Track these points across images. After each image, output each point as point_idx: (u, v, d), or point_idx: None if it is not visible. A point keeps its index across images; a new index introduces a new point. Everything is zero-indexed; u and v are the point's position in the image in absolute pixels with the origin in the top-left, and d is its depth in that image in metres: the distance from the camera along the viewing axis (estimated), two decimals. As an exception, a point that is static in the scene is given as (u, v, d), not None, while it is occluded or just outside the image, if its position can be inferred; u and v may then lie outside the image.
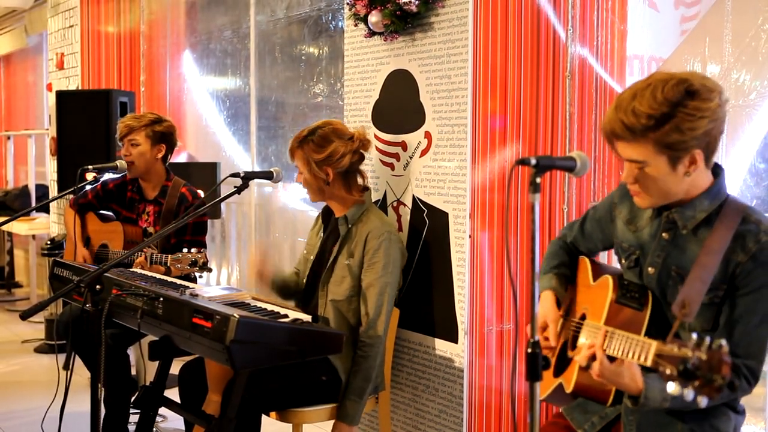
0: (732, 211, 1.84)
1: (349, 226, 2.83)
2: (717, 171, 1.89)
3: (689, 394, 1.39)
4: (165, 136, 3.55)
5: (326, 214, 2.96)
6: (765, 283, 1.79)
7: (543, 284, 2.20)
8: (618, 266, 2.13)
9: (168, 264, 3.08)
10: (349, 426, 2.69)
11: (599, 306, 1.94)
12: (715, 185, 1.86)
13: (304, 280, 2.95)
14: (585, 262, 2.17)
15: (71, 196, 3.75)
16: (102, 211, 3.75)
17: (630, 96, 1.78)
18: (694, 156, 1.77)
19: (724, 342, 1.39)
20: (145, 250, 3.18)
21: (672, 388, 1.42)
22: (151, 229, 3.56)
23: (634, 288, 1.96)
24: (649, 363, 1.55)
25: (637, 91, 1.77)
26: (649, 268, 1.96)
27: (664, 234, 1.93)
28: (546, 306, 2.10)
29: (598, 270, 2.13)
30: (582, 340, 1.93)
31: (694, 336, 1.43)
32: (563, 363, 2.03)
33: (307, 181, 2.81)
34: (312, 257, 2.95)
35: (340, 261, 2.81)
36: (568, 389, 1.94)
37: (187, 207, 3.48)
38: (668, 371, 1.44)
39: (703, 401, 1.39)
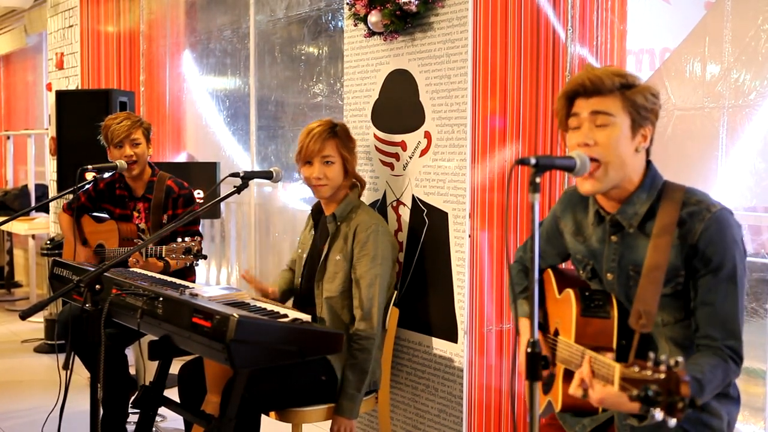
0: (671, 197, 1.87)
1: (338, 223, 2.84)
2: (647, 162, 1.94)
3: (657, 415, 1.40)
4: (150, 133, 3.66)
5: (316, 213, 2.98)
6: (722, 260, 1.80)
7: (518, 311, 2.22)
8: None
9: (163, 255, 3.10)
10: (348, 419, 2.70)
11: (568, 322, 1.94)
12: (647, 176, 1.90)
13: (299, 279, 2.97)
14: (549, 275, 2.19)
15: (64, 201, 3.76)
16: (95, 213, 3.77)
17: (602, 68, 1.91)
18: (646, 132, 1.86)
19: (680, 359, 1.40)
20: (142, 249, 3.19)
21: (642, 409, 1.44)
22: (143, 225, 3.59)
23: (596, 296, 1.95)
24: (616, 388, 1.55)
25: (602, 67, 1.93)
26: (608, 275, 1.97)
27: (612, 237, 1.94)
28: (525, 335, 2.10)
29: (561, 281, 2.13)
30: (563, 354, 1.92)
31: (652, 355, 1.44)
32: (549, 379, 2.04)
33: (335, 171, 2.82)
34: (305, 255, 2.97)
35: (332, 258, 2.82)
36: (557, 408, 1.96)
37: (174, 198, 3.55)
38: (634, 393, 1.45)
39: (671, 422, 1.39)
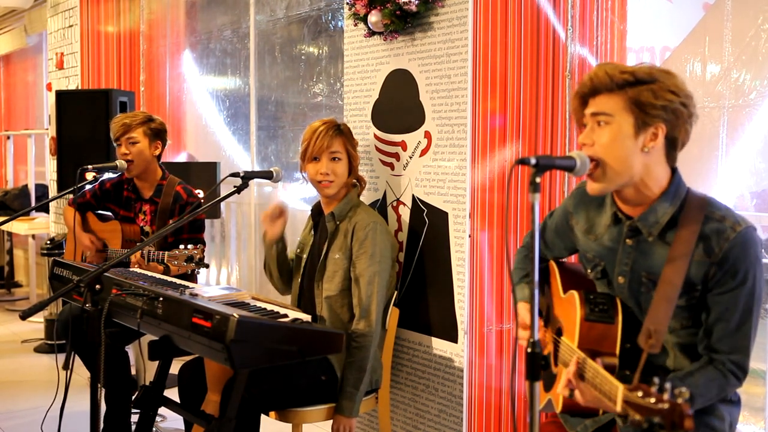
0: (694, 210, 1.83)
1: (337, 222, 2.85)
2: (672, 170, 1.89)
3: None
4: (160, 132, 3.59)
5: (316, 214, 2.98)
6: (744, 278, 1.79)
7: (518, 295, 2.21)
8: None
9: (165, 261, 3.09)
10: (348, 418, 2.70)
11: (571, 324, 1.92)
12: (672, 184, 1.86)
13: (299, 280, 2.97)
14: (554, 269, 2.17)
15: (70, 197, 3.76)
16: (100, 211, 3.76)
17: (616, 64, 1.88)
18: (657, 130, 1.80)
19: (684, 389, 1.38)
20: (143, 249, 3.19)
21: None
22: (148, 228, 3.57)
23: (601, 300, 1.92)
24: (618, 410, 1.54)
25: (623, 64, 1.89)
26: (619, 278, 1.94)
27: (628, 240, 1.91)
28: (525, 315, 2.11)
29: (566, 279, 2.12)
30: (566, 357, 1.92)
31: (656, 380, 1.43)
32: (550, 377, 2.03)
33: (342, 168, 2.85)
34: (305, 255, 2.97)
35: (331, 257, 2.83)
36: (558, 410, 1.95)
37: (182, 205, 3.51)
38: (636, 418, 1.44)
39: None
